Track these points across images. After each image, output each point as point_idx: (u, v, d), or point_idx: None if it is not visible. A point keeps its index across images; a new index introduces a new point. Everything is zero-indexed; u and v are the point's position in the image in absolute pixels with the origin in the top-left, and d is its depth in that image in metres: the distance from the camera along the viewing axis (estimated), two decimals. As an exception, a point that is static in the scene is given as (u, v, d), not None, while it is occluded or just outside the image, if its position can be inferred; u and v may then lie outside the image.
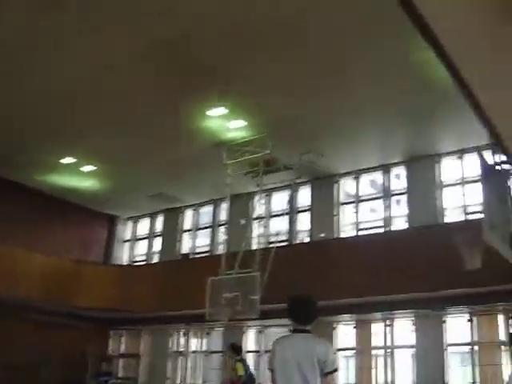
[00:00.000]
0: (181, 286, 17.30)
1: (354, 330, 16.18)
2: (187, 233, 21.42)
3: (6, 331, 16.78)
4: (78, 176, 18.61)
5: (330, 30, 10.65)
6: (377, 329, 15.91)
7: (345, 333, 16.48)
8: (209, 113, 14.11)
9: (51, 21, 10.69)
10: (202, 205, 21.13)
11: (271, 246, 16.17)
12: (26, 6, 10.32)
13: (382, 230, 16.60)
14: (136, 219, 23.22)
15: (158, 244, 22.18)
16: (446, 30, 4.80)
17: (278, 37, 11.00)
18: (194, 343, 19.64)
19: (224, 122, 14.57)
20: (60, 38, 11.31)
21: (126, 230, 23.43)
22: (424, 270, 13.40)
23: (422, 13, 4.40)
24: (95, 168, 18.02)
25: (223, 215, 19.82)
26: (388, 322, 15.66)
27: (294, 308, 5.26)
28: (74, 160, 17.44)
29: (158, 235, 22.26)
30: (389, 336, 15.52)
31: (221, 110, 14.00)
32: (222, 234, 19.55)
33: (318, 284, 14.47)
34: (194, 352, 19.41)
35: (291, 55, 11.58)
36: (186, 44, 11.39)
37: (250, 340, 18.07)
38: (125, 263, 22.77)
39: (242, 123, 14.61)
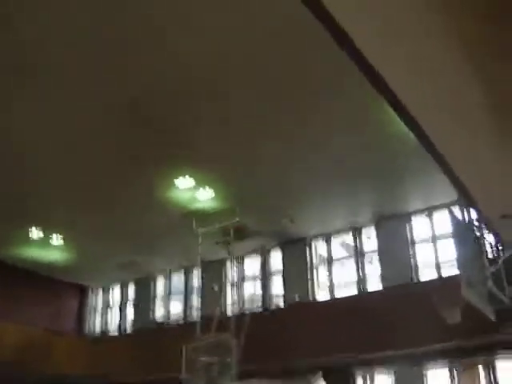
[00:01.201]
0: (156, 354, 17.08)
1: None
2: (160, 300, 21.18)
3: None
4: (47, 248, 18.37)
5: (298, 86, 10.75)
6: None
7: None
8: (177, 182, 14.08)
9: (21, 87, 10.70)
10: (173, 271, 20.99)
11: (246, 311, 16.15)
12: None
13: (355, 291, 16.64)
14: (107, 288, 22.95)
15: (130, 312, 21.90)
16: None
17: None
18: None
19: (192, 193, 14.55)
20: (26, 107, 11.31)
21: (97, 300, 23.13)
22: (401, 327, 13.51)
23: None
24: (63, 240, 17.85)
25: (195, 282, 19.74)
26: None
27: None
28: (42, 232, 17.27)
29: (131, 303, 21.99)
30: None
31: (188, 181, 14.03)
32: (195, 301, 19.41)
33: (290, 345, 14.56)
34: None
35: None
36: (146, 112, 11.40)
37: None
38: (98, 332, 22.42)
39: (210, 193, 14.60)
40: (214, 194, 14.70)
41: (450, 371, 14.47)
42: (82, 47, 9.40)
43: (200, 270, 16.68)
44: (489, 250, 9.41)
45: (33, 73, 10.05)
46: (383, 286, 16.06)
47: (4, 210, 15.86)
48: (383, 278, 16.19)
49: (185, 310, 20.18)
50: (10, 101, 10.84)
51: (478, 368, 14.34)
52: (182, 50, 9.51)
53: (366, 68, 4.53)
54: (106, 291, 22.99)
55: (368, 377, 15.60)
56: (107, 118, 11.52)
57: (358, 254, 16.96)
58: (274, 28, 8.94)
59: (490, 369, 13.97)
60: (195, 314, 18.67)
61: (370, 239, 17.02)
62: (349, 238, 17.40)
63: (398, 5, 4.22)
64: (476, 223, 8.88)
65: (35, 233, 17.29)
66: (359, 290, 16.59)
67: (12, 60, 9.69)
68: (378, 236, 16.70)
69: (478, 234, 8.95)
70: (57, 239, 17.81)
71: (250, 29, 9.03)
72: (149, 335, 19.25)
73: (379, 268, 16.46)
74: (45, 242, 17.97)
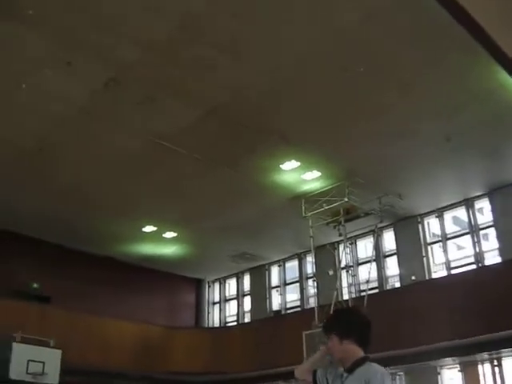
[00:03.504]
0: (275, 343, 17.19)
1: (460, 374, 15.50)
2: (275, 289, 21.29)
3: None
4: (161, 243, 18.93)
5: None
6: (484, 370, 15.09)
7: (450, 377, 15.84)
8: (282, 167, 14.14)
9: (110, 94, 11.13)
10: (287, 260, 21.03)
11: (362, 294, 15.93)
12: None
13: (473, 267, 16.09)
14: (223, 280, 23.31)
15: (247, 303, 22.14)
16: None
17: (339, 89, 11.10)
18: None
19: (299, 175, 14.54)
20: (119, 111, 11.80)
21: (214, 292, 23.53)
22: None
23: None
24: (176, 234, 18.31)
25: (309, 268, 19.71)
26: (496, 363, 14.80)
27: (366, 328, 4.21)
28: (155, 228, 17.81)
29: (247, 294, 22.23)
30: (498, 377, 14.67)
31: (294, 164, 14.03)
32: (310, 287, 19.37)
33: (417, 327, 14.17)
34: (295, 409, 18.99)
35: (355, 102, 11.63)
36: (251, 105, 11.70)
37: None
38: (216, 325, 22.81)
39: (316, 174, 14.54)
40: (320, 176, 14.63)
41: None
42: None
43: (313, 255, 16.56)
44: None
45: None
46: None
47: (119, 209, 16.49)
48: (501, 252, 15.51)
49: (301, 298, 20.18)
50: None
51: None
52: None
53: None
54: (221, 283, 23.34)
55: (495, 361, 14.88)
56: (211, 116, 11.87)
57: (475, 228, 16.37)
58: None
59: None
60: (312, 301, 18.68)
61: (482, 214, 16.43)
62: (461, 213, 16.86)
63: None
64: None
65: (149, 228, 17.85)
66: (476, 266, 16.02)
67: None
68: (492, 209, 16.04)
69: None
70: (170, 233, 18.31)
71: None
72: (267, 325, 19.33)
73: (496, 242, 15.82)
74: (158, 238, 18.52)
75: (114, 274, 19.47)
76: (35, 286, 17.76)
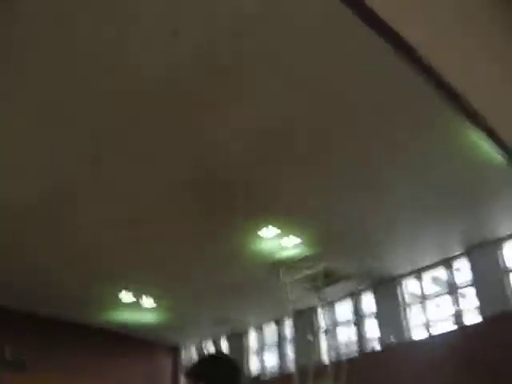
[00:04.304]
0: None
1: None
2: (254, 353, 21.00)
3: None
4: (138, 310, 18.65)
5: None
6: None
7: None
8: (261, 234, 14.08)
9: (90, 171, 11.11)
10: (265, 323, 20.78)
11: (343, 357, 15.79)
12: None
13: (454, 327, 16.00)
14: (199, 345, 22.94)
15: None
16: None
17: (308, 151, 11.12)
18: None
19: (278, 241, 14.48)
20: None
21: (190, 358, 23.14)
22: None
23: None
24: (154, 302, 18.09)
25: (288, 332, 19.52)
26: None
27: (237, 375, 3.64)
28: (132, 295, 17.61)
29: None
30: None
31: (273, 231, 13.97)
32: (289, 352, 19.16)
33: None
34: None
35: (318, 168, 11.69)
36: (223, 173, 11.66)
37: None
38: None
39: (295, 240, 14.49)
40: (300, 242, 14.57)
41: None
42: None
43: (292, 319, 16.45)
44: None
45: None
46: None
47: (96, 276, 16.22)
48: (481, 310, 15.47)
49: (280, 362, 19.89)
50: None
51: None
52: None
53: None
54: (198, 348, 22.97)
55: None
56: (188, 184, 11.89)
57: (454, 288, 16.33)
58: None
59: None
60: (290, 365, 18.44)
61: (459, 271, 16.44)
62: (440, 273, 16.85)
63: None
64: None
65: (126, 296, 17.63)
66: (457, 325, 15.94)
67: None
68: (471, 267, 16.02)
69: None
70: (148, 301, 18.07)
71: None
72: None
73: (476, 301, 15.78)
74: (136, 305, 18.28)
75: (93, 341, 19.20)
76: (8, 353, 17.37)
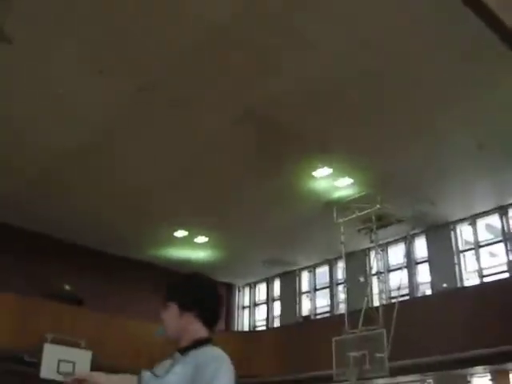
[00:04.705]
0: (304, 349, 17.17)
1: (491, 383, 15.27)
2: (305, 295, 21.28)
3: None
4: (192, 248, 19.07)
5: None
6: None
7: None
8: (314, 174, 14.20)
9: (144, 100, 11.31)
10: (317, 265, 21.02)
11: (393, 301, 15.87)
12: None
13: (506, 275, 15.92)
14: (253, 285, 23.36)
15: (277, 308, 22.17)
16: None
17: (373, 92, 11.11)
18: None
19: (331, 182, 14.58)
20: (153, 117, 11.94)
21: (244, 297, 23.59)
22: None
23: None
24: (207, 239, 18.45)
25: (340, 274, 19.69)
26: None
27: (216, 303, 3.37)
28: (186, 233, 17.97)
29: (277, 299, 22.26)
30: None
31: (326, 171, 14.07)
32: (341, 293, 19.34)
33: (448, 335, 14.07)
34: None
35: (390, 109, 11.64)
36: (281, 112, 11.75)
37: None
38: (246, 329, 22.85)
39: (348, 181, 14.57)
40: (353, 182, 14.65)
41: None
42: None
43: (344, 261, 16.56)
44: None
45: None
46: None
47: (152, 213, 16.66)
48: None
49: (331, 304, 20.14)
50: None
51: None
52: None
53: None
54: (252, 288, 23.39)
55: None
56: (245, 123, 12.04)
57: (509, 236, 16.18)
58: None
59: None
60: (342, 307, 18.63)
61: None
62: (495, 220, 16.70)
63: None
64: None
65: (180, 233, 18.02)
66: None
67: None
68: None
69: None
70: (202, 238, 18.46)
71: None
72: (297, 330, 19.34)
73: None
74: (190, 242, 18.65)
75: (146, 278, 19.60)
76: (68, 287, 17.94)
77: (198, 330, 3.22)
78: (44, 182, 14.75)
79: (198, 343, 3.15)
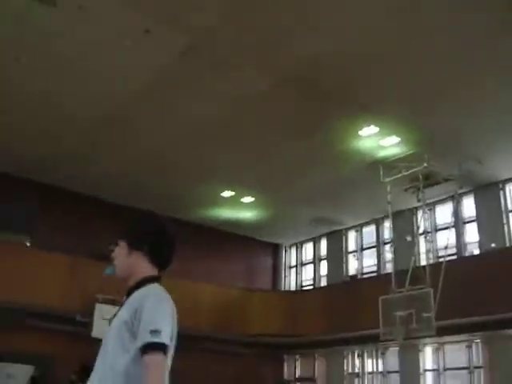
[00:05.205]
0: (350, 308, 17.27)
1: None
2: (352, 254, 21.30)
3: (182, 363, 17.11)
4: (239, 207, 19.23)
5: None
6: None
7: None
8: (361, 132, 14.10)
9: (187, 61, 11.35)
10: (364, 225, 21.00)
11: (440, 260, 15.78)
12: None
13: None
14: (300, 245, 23.46)
15: (323, 268, 22.25)
16: None
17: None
18: (370, 364, 19.34)
19: (377, 140, 14.47)
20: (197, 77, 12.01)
21: (290, 256, 23.73)
22: None
23: None
24: (254, 199, 18.58)
25: (386, 233, 19.63)
26: None
27: (168, 242, 3.39)
28: (233, 193, 18.14)
29: (323, 259, 22.34)
30: None
31: (372, 129, 13.96)
32: (387, 253, 19.29)
33: (496, 295, 13.97)
34: (370, 373, 19.15)
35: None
36: (327, 70, 11.68)
37: (428, 358, 17.55)
38: (293, 289, 23.03)
39: (395, 139, 14.42)
40: (400, 141, 14.51)
41: None
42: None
43: (391, 220, 16.49)
44: None
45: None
46: None
47: (198, 174, 16.94)
48: None
49: (378, 263, 20.14)
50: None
51: None
52: None
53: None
54: (298, 248, 23.50)
55: None
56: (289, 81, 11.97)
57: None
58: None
59: None
60: (388, 267, 18.62)
61: None
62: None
63: None
64: None
65: (227, 194, 18.25)
66: None
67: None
68: None
69: None
70: (248, 198, 18.65)
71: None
72: (343, 289, 19.42)
73: None
74: (236, 202, 18.88)
75: (193, 238, 19.80)
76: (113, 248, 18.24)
77: (146, 269, 3.18)
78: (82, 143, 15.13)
79: (142, 283, 3.10)
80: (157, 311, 2.91)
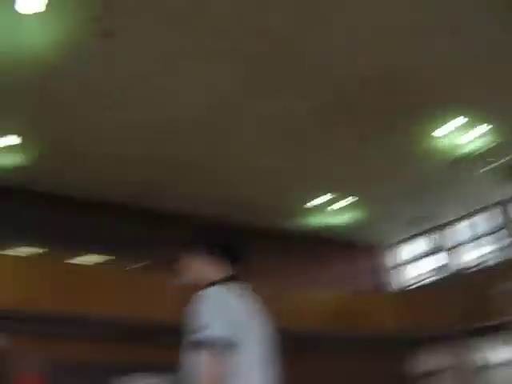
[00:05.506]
0: (470, 300, 16.84)
1: None
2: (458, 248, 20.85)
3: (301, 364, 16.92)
4: (333, 213, 19.13)
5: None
6: None
7: None
8: (450, 125, 13.91)
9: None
10: (461, 219, 20.62)
11: None
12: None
13: None
14: (399, 244, 23.09)
15: (425, 264, 21.91)
16: None
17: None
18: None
19: (467, 131, 14.16)
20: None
21: (390, 257, 23.36)
22: None
23: None
24: (346, 204, 18.57)
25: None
26: None
27: (227, 239, 3.50)
28: (329, 197, 18.10)
29: (425, 256, 22.02)
30: None
31: (461, 120, 13.74)
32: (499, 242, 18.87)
33: None
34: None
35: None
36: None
37: None
38: (396, 288, 22.68)
39: (485, 128, 14.06)
40: (489, 129, 14.09)
41: None
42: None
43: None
44: None
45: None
46: None
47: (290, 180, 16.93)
48: None
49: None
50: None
51: None
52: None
53: None
54: (395, 248, 23.15)
55: None
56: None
57: None
58: None
59: None
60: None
61: None
62: None
63: None
64: None
65: (323, 199, 18.22)
66: None
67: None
68: None
69: None
70: (339, 203, 18.58)
71: None
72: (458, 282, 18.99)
73: None
74: (329, 207, 18.83)
75: (287, 246, 19.85)
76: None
77: (211, 273, 3.20)
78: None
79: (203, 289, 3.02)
80: (200, 312, 2.86)
